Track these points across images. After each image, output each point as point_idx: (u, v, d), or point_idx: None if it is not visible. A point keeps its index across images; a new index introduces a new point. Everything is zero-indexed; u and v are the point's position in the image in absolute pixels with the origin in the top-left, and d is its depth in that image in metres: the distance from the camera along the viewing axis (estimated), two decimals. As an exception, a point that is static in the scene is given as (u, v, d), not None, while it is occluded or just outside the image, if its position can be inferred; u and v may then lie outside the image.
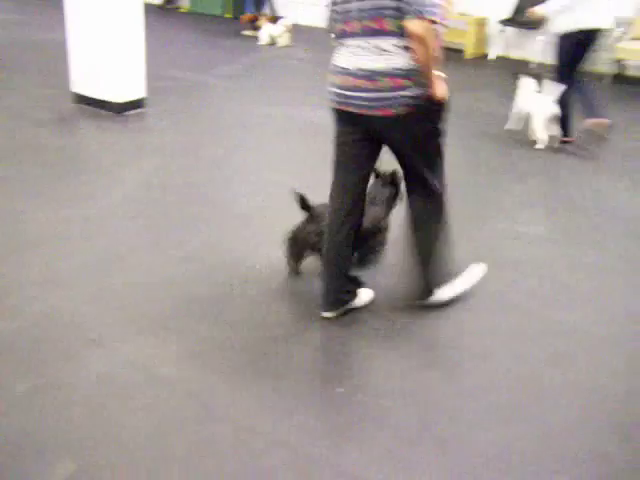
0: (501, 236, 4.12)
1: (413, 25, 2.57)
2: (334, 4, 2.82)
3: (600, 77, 8.63)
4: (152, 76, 6.37)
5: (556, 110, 5.57)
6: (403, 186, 3.22)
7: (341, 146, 3.06)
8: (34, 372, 2.63)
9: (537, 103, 5.71)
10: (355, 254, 3.28)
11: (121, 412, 2.46)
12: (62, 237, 3.76)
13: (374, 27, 2.69)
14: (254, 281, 3.41)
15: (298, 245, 3.43)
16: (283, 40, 9.60)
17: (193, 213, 4.16)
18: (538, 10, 5.71)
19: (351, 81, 2.81)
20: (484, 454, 2.36)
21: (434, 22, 2.58)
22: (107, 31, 5.74)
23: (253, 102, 6.67)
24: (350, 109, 2.86)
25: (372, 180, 3.31)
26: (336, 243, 3.07)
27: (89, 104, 6.07)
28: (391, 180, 3.53)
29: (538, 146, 5.74)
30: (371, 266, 3.57)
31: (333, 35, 2.91)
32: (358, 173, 3.07)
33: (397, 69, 2.70)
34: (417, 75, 2.70)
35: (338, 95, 2.91)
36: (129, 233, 3.87)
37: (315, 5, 11.07)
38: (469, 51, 9.54)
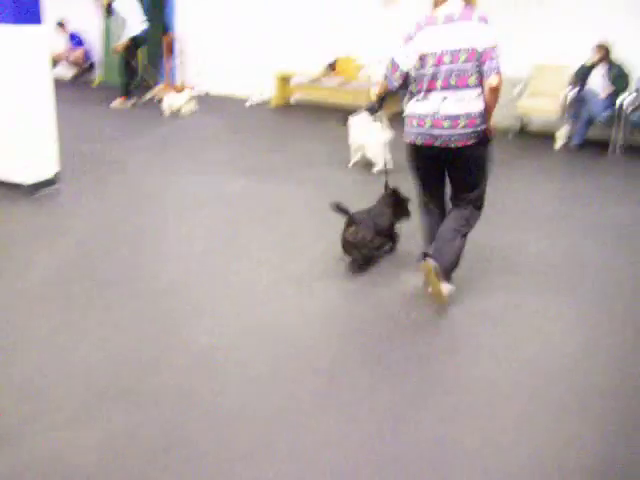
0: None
1: (494, 80, 3.71)
2: (422, 67, 3.82)
3: (505, 132, 9.06)
4: (66, 151, 6.32)
5: (389, 135, 6.43)
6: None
7: (421, 173, 4.15)
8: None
9: (371, 134, 6.55)
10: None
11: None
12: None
13: (458, 83, 3.76)
14: (177, 358, 3.38)
15: (347, 247, 4.37)
16: (187, 109, 9.68)
17: (110, 293, 4.10)
18: None
19: (436, 123, 3.81)
20: None
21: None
22: (16, 110, 5.69)
23: (167, 173, 6.69)
24: (434, 143, 3.86)
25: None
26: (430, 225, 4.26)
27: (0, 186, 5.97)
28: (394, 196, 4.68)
29: (377, 169, 6.67)
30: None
31: (410, 89, 3.97)
32: (437, 187, 4.19)
33: (473, 112, 3.77)
34: (483, 115, 3.80)
35: (422, 135, 3.89)
36: (46, 319, 3.78)
37: (227, 75, 11.34)
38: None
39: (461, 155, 3.89)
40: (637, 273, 4.71)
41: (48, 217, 5.45)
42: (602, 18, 8.65)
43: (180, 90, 10.10)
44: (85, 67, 12.35)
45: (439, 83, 3.80)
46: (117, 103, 10.26)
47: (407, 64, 3.88)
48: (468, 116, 3.77)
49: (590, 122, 8.18)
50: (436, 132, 3.83)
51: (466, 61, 3.74)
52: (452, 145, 3.82)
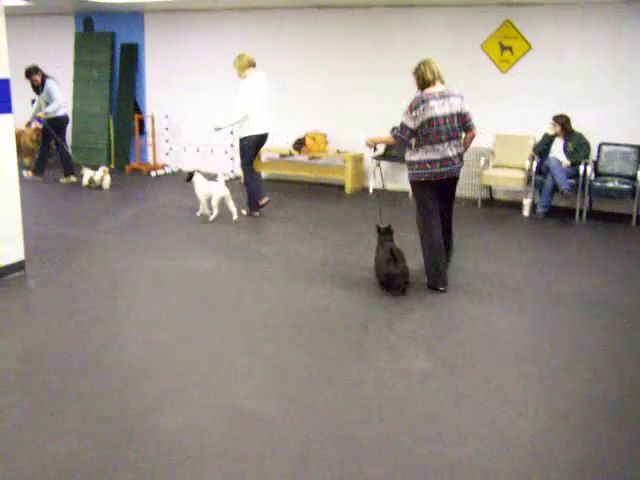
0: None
1: (475, 131, 5.79)
2: (430, 126, 5.49)
3: (473, 202, 9.21)
4: (32, 235, 6.31)
5: (227, 191, 7.87)
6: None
7: (431, 200, 5.71)
8: None
9: (212, 188, 7.93)
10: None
11: None
12: None
13: (453, 136, 5.60)
14: (145, 444, 3.32)
15: (393, 279, 5.59)
16: (105, 183, 10.03)
17: (74, 383, 4.02)
18: (217, 124, 8.21)
19: (445, 163, 5.59)
20: None
21: None
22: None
23: (136, 255, 6.66)
24: (442, 177, 5.62)
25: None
26: (442, 248, 5.79)
27: (-33, 270, 5.93)
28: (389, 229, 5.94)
29: (212, 218, 7.95)
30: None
31: (420, 140, 5.58)
32: (439, 210, 5.79)
33: (460, 153, 5.70)
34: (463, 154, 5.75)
35: (436, 173, 5.60)
36: (9, 414, 3.68)
37: (198, 153, 11.45)
38: (349, 186, 9.97)
39: (455, 181, 5.83)
40: (602, 341, 4.75)
41: (11, 304, 5.36)
42: (560, 88, 8.95)
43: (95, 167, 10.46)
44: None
45: (443, 137, 5.55)
46: (27, 174, 10.56)
47: (414, 125, 5.54)
48: (459, 155, 5.69)
49: (555, 190, 8.34)
50: (444, 169, 5.61)
51: (457, 121, 5.60)
52: (453, 175, 5.70)
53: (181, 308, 5.34)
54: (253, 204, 8.28)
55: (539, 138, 8.82)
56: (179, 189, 9.76)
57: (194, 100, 11.53)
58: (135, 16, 11.78)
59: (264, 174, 11.13)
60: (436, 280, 5.73)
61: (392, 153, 9.77)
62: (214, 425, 3.56)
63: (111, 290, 5.71)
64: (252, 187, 8.24)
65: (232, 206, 7.94)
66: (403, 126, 5.59)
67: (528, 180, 8.75)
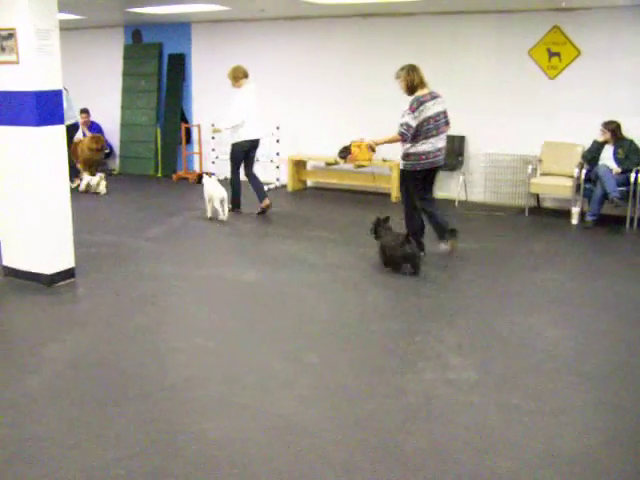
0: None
1: (450, 124, 6.70)
2: (428, 124, 6.42)
3: (520, 210, 9.10)
4: (82, 242, 6.43)
5: (225, 193, 8.51)
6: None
7: (419, 184, 6.68)
8: None
9: (214, 190, 8.52)
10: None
11: None
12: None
13: (441, 131, 6.55)
14: (191, 454, 3.34)
15: (404, 259, 6.28)
16: (102, 188, 10.58)
17: (123, 388, 4.08)
18: (217, 126, 9.05)
19: (436, 154, 6.56)
20: None
21: None
22: (34, 201, 5.83)
23: (181, 264, 6.72)
24: (433, 166, 6.60)
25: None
26: (422, 224, 6.90)
27: (19, 277, 6.05)
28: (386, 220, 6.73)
29: (221, 218, 8.52)
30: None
31: (419, 136, 6.46)
32: (424, 193, 6.84)
33: (445, 146, 6.68)
34: None
35: (430, 162, 6.54)
36: (59, 417, 3.76)
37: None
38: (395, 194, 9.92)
39: (438, 169, 6.78)
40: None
41: (62, 310, 5.48)
42: (610, 94, 8.78)
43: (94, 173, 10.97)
44: (104, 153, 12.53)
45: (435, 132, 6.50)
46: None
47: (416, 124, 6.39)
48: (444, 147, 6.69)
49: (604, 198, 8.18)
50: (435, 159, 6.58)
51: (443, 118, 6.59)
52: (439, 164, 6.67)
53: (226, 317, 5.37)
54: (236, 202, 9.13)
55: (588, 145, 8.67)
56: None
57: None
58: (182, 27, 11.93)
59: (310, 182, 11.16)
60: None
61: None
62: (260, 434, 3.56)
63: (157, 298, 5.76)
64: (236, 187, 9.08)
65: (225, 208, 8.62)
66: (408, 125, 6.40)
67: (577, 188, 8.59)
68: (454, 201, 9.62)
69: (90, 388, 4.09)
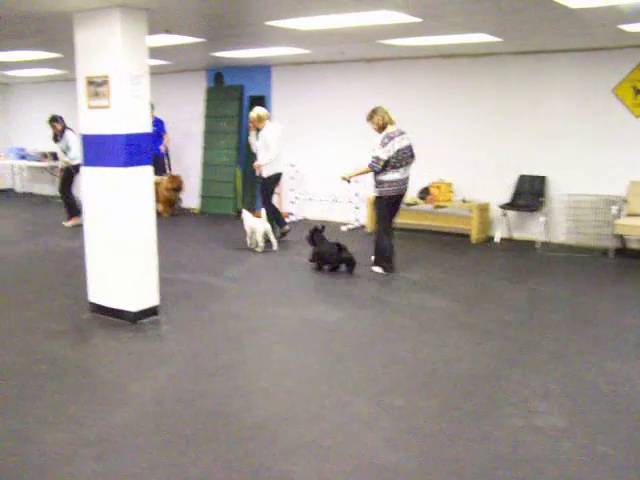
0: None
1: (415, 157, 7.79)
2: (397, 156, 7.49)
3: (603, 251, 8.86)
4: (164, 280, 6.54)
5: (268, 226, 9.11)
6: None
7: (391, 209, 7.75)
8: None
9: (256, 224, 9.13)
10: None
11: None
12: (73, 460, 3.70)
13: (407, 163, 7.61)
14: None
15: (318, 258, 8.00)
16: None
17: (207, 427, 4.10)
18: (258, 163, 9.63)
19: (405, 182, 7.66)
20: None
21: None
22: (121, 239, 5.99)
23: (262, 303, 6.77)
24: (401, 192, 7.70)
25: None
26: (392, 244, 7.87)
27: (105, 314, 6.21)
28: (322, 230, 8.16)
29: (257, 250, 9.13)
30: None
31: (390, 166, 7.53)
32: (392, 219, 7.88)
33: (410, 176, 7.70)
34: None
35: (400, 189, 7.67)
36: (143, 452, 3.81)
37: (324, 202, 11.60)
38: (474, 235, 9.81)
39: (403, 197, 7.86)
40: None
41: (146, 347, 5.56)
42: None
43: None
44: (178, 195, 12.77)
45: (403, 163, 7.58)
46: (70, 223, 11.35)
47: (387, 157, 7.47)
48: (409, 177, 7.74)
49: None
50: (403, 187, 7.71)
51: (409, 152, 7.66)
52: (405, 191, 7.78)
53: (308, 357, 5.37)
54: (281, 222, 9.93)
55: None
56: (301, 239, 9.89)
57: (319, 150, 11.76)
58: (263, 69, 12.20)
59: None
60: (386, 265, 7.85)
61: (519, 202, 9.56)
62: (344, 477, 3.52)
63: (239, 337, 5.81)
64: (273, 209, 9.80)
65: (272, 238, 9.24)
66: (378, 158, 7.50)
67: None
68: (535, 242, 9.42)
69: (174, 426, 4.13)
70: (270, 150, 9.47)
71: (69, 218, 11.43)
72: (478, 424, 4.10)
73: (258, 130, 9.74)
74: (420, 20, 6.48)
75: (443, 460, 3.69)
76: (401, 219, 10.76)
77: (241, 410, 4.34)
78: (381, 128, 7.61)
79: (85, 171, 6.20)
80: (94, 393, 4.63)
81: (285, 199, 12.06)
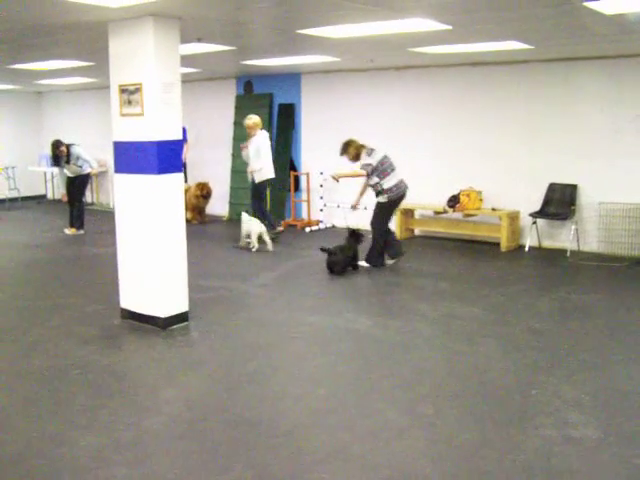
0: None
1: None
2: (382, 165, 8.32)
3: (637, 260, 8.75)
4: (194, 287, 6.58)
5: (263, 228, 9.77)
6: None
7: (392, 211, 8.56)
8: None
9: (253, 225, 9.77)
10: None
11: None
12: (105, 464, 3.74)
13: (393, 169, 8.39)
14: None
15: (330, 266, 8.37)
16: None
17: (238, 433, 4.12)
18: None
19: (400, 185, 8.40)
20: None
21: None
22: (152, 246, 6.04)
23: (291, 310, 6.79)
24: (404, 193, 8.47)
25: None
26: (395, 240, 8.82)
27: (136, 319, 6.27)
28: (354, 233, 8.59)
29: (253, 249, 9.70)
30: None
31: (381, 176, 8.34)
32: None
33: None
34: None
35: (402, 192, 8.41)
36: (175, 458, 3.83)
37: (349, 210, 11.61)
38: (504, 244, 9.75)
39: (403, 199, 8.57)
40: None
41: (177, 353, 5.60)
42: None
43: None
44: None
45: (388, 170, 8.32)
46: (69, 231, 11.62)
47: (375, 162, 8.25)
48: (403, 180, 8.43)
49: None
50: (403, 188, 8.42)
51: (388, 160, 8.38)
52: (405, 193, 8.45)
53: (338, 364, 5.36)
54: (271, 223, 10.48)
55: None
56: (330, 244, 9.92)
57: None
58: (292, 77, 12.25)
59: (417, 231, 11.10)
60: (376, 262, 8.59)
61: (550, 210, 9.48)
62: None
63: (269, 344, 5.82)
64: (264, 211, 10.48)
65: (267, 239, 9.76)
66: (368, 164, 8.28)
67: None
68: (565, 251, 9.33)
69: (205, 432, 4.15)
70: (260, 157, 10.20)
71: (74, 226, 11.61)
72: (510, 434, 4.07)
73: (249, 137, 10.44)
74: (450, 27, 6.46)
75: (474, 470, 3.66)
76: (430, 227, 10.81)
77: (272, 417, 4.35)
78: (355, 157, 8.48)
79: (117, 178, 6.27)
80: (126, 398, 4.67)
81: (313, 206, 12.07)
